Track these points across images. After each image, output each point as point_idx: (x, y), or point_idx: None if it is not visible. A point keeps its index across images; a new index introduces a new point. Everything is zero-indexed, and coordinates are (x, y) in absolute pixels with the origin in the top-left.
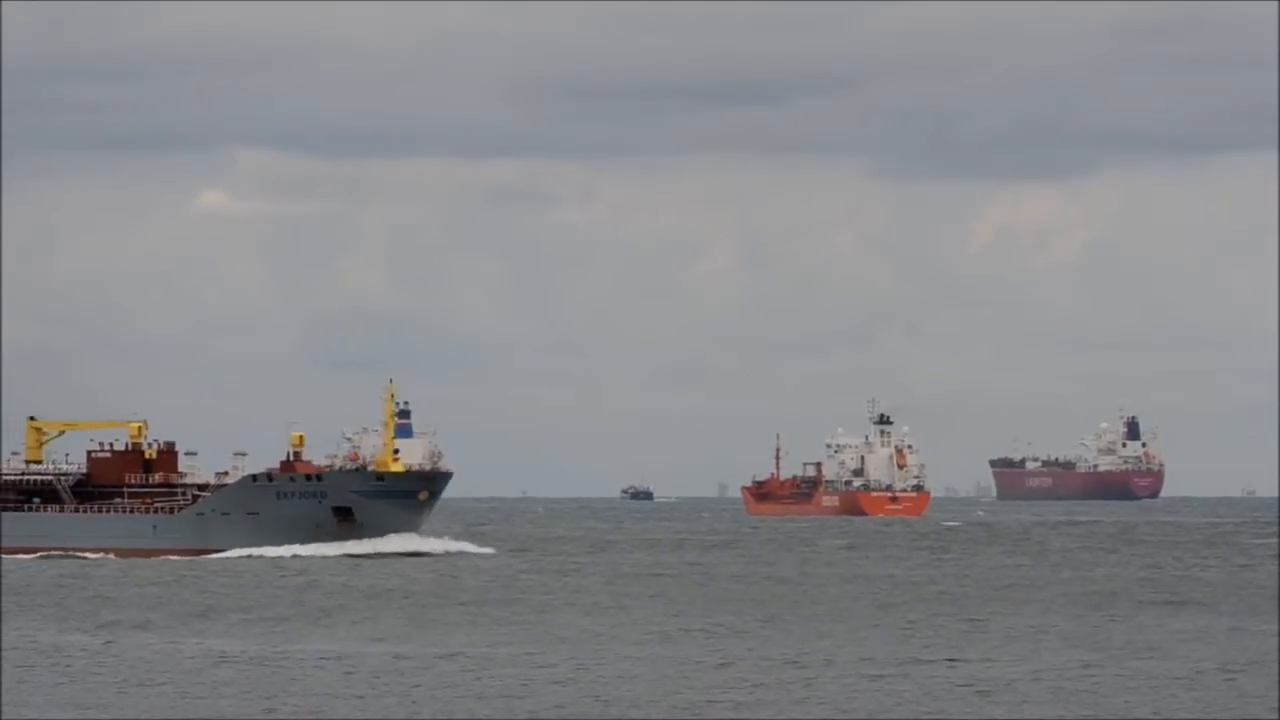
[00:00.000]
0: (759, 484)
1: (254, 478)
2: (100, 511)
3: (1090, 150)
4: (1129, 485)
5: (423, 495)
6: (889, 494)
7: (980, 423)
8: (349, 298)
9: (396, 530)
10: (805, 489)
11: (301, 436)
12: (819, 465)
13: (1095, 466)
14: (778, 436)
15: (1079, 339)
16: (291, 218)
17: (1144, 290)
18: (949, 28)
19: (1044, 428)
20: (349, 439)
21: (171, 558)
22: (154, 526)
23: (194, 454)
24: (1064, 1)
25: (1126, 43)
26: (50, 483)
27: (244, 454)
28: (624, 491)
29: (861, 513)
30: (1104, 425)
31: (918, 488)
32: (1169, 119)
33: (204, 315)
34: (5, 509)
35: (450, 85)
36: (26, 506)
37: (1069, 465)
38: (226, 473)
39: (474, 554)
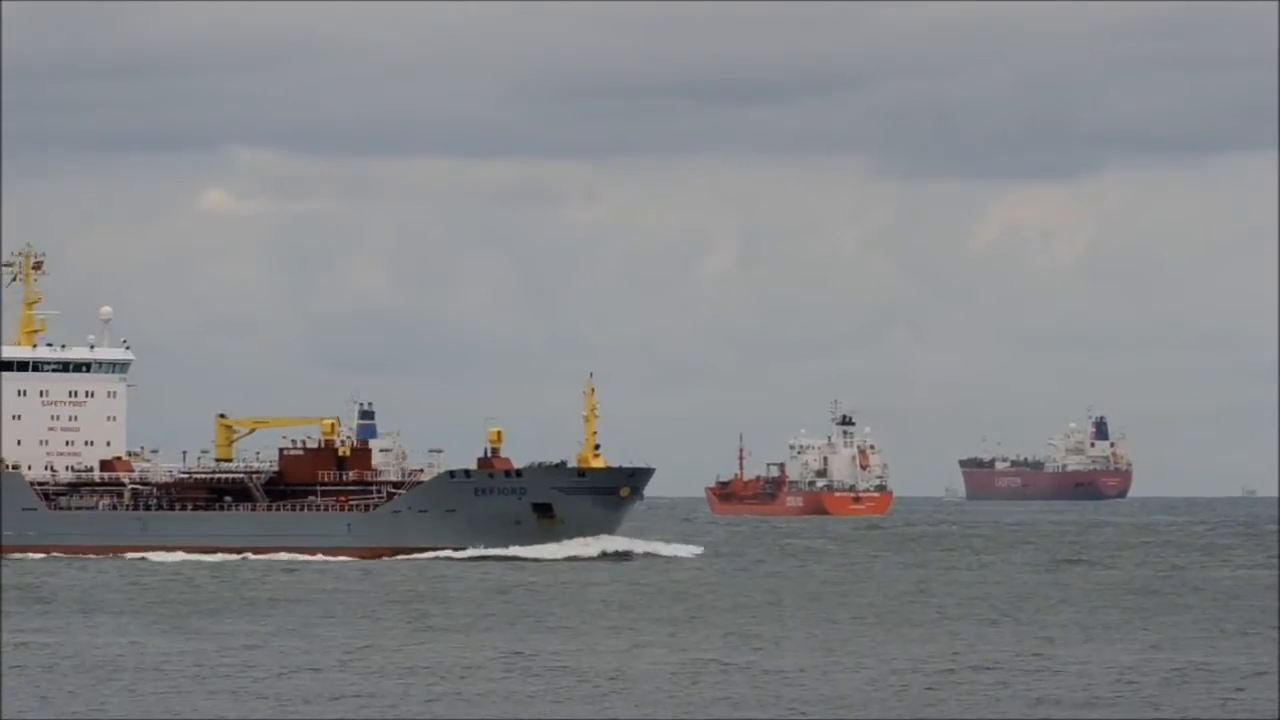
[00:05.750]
0: (722, 484)
1: (451, 474)
2: (293, 510)
3: (1094, 149)
4: (1097, 485)
5: (624, 491)
6: (852, 494)
7: (983, 422)
8: (351, 297)
9: (597, 528)
10: (769, 489)
11: (499, 432)
12: (782, 466)
13: (1064, 466)
14: (741, 436)
15: (1080, 339)
16: (294, 217)
17: (1146, 290)
18: (952, 27)
19: (1044, 427)
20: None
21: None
22: (348, 525)
23: (388, 451)
24: (1067, 1)
25: (1129, 42)
26: (242, 481)
27: (439, 450)
28: None
29: (825, 513)
30: (1072, 425)
31: (880, 488)
32: (1171, 118)
33: (206, 315)
34: (196, 508)
35: (452, 85)
36: (218, 505)
37: (1038, 465)
38: (421, 470)
39: (685, 557)
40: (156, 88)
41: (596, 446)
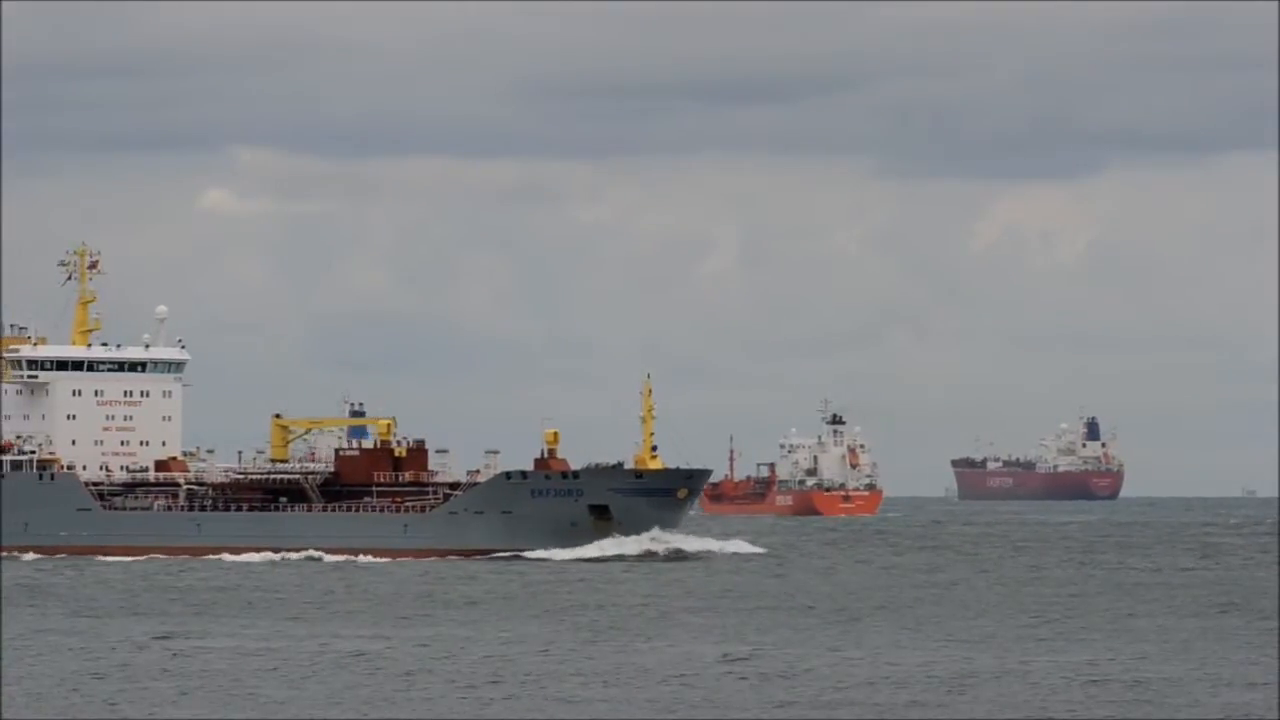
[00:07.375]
0: (713, 485)
1: (508, 475)
2: (349, 511)
3: (1094, 149)
4: (1088, 485)
5: (681, 493)
6: (842, 493)
7: (981, 422)
8: (351, 297)
9: (654, 530)
10: (759, 489)
11: (556, 434)
12: (772, 465)
13: (1055, 467)
14: (731, 438)
15: (1080, 339)
16: (294, 217)
17: (1146, 290)
18: (952, 27)
19: (1041, 428)
20: (304, 439)
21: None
22: (404, 526)
23: (445, 451)
24: (1067, 1)
25: (1129, 42)
26: (297, 481)
27: (496, 452)
28: None
29: (815, 512)
30: (1063, 426)
31: (870, 486)
32: (1171, 118)
33: (207, 315)
34: (251, 509)
35: (452, 85)
36: (273, 506)
37: (1029, 465)
38: (478, 471)
39: (750, 553)
40: (156, 88)
41: (654, 448)
